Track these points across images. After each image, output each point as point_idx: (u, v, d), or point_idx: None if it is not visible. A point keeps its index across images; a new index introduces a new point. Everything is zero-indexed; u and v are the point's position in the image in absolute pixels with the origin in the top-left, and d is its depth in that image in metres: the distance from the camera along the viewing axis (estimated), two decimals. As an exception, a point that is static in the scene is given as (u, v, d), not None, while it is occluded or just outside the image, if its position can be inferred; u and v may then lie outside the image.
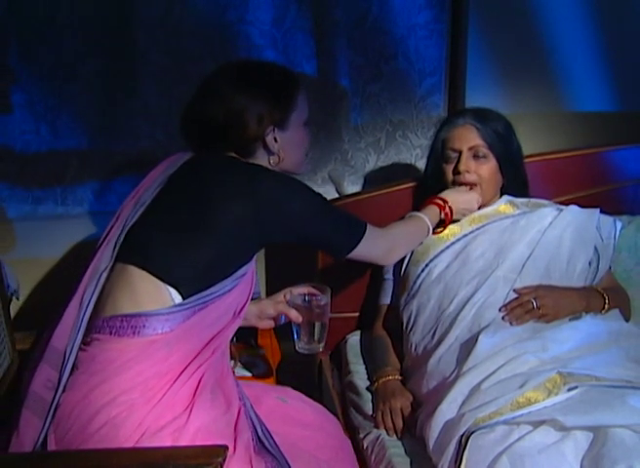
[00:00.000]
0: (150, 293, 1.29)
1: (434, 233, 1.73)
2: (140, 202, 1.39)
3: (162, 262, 1.31)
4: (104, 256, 1.35)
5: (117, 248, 1.35)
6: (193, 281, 1.31)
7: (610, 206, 1.95)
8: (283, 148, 1.44)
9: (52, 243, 2.17)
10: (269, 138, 1.42)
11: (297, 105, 1.44)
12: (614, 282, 1.85)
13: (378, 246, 1.52)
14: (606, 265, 1.80)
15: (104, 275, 1.33)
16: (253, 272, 1.43)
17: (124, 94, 2.09)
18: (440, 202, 1.71)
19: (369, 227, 1.47)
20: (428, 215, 1.67)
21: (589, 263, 1.76)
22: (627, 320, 1.74)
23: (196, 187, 1.37)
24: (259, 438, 1.36)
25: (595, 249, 1.77)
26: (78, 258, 2.18)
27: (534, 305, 1.62)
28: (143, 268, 1.30)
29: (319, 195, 1.44)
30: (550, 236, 1.73)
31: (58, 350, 1.29)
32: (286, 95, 1.43)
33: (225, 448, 1.15)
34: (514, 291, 1.66)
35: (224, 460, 1.13)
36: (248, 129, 1.39)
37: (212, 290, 1.32)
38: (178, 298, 1.29)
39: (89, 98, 2.08)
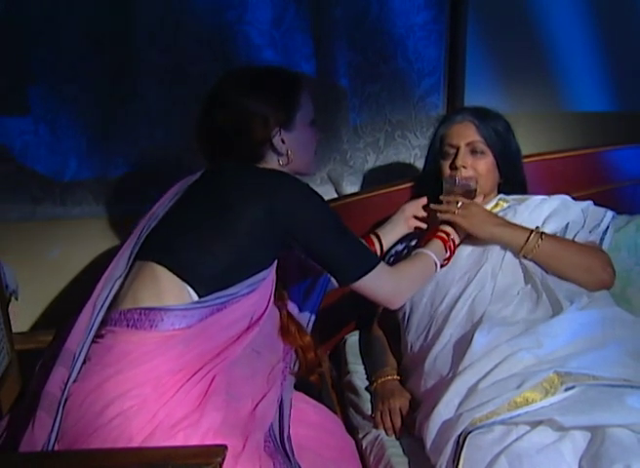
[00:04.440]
0: (171, 289, 1.32)
1: (440, 267, 1.64)
2: (155, 216, 1.42)
3: (181, 260, 1.34)
4: (119, 265, 1.38)
5: (132, 257, 1.38)
6: (211, 280, 1.33)
7: (609, 206, 1.95)
8: (291, 149, 1.45)
9: (51, 243, 2.17)
10: (276, 140, 1.43)
11: (300, 105, 1.46)
12: (591, 243, 1.76)
13: (386, 283, 1.47)
14: (588, 236, 1.76)
15: (119, 282, 1.37)
16: (273, 279, 1.44)
17: (124, 93, 2.09)
18: (443, 235, 1.67)
19: (382, 263, 1.45)
20: (435, 252, 1.61)
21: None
22: (600, 282, 1.69)
23: (215, 191, 1.40)
24: (282, 440, 1.36)
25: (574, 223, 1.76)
26: (77, 259, 2.19)
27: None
28: (164, 265, 1.33)
29: (337, 215, 1.44)
30: (533, 218, 1.74)
31: (71, 351, 1.31)
32: (288, 95, 1.45)
33: (225, 447, 1.15)
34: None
35: (223, 460, 1.13)
36: (255, 132, 1.41)
37: (229, 290, 1.34)
38: (195, 296, 1.32)
39: (89, 98, 2.08)
